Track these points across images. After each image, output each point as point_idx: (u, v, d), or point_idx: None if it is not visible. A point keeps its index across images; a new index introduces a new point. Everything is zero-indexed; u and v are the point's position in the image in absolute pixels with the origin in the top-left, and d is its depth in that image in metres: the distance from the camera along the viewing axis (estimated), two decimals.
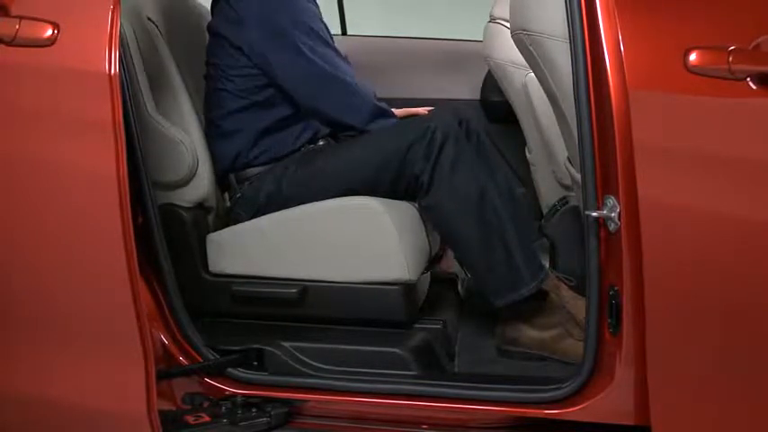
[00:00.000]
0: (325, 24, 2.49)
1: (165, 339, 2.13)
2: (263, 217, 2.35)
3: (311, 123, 2.47)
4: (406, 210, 2.33)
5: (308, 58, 2.37)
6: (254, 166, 2.45)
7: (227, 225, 2.42)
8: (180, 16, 2.64)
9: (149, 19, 2.35)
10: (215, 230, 2.39)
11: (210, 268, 2.35)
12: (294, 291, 2.28)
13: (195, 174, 2.33)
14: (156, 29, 2.36)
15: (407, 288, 2.27)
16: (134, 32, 2.29)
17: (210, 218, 2.43)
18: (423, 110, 2.60)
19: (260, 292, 2.31)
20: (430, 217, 2.34)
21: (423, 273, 2.38)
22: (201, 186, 2.36)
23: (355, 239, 2.26)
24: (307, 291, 2.28)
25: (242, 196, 2.43)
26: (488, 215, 2.24)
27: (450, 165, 2.25)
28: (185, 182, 2.33)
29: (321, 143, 2.48)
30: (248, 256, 2.33)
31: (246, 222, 2.38)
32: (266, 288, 2.31)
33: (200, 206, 2.38)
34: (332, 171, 2.35)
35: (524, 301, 2.28)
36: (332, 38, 2.49)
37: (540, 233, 2.57)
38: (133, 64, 2.25)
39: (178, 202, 2.33)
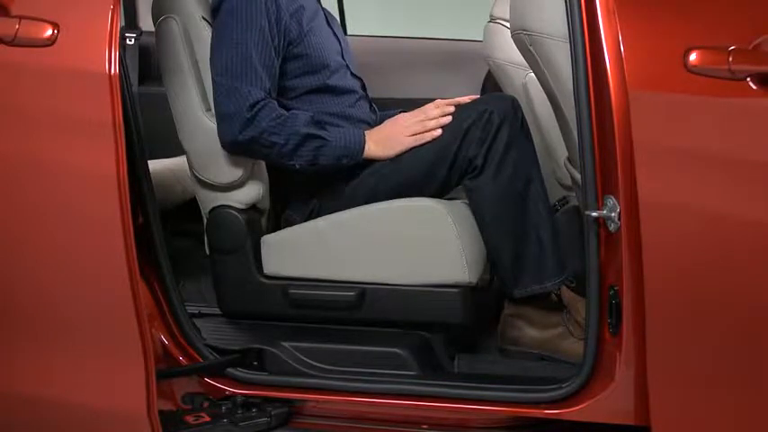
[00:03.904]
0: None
1: (165, 339, 2.13)
2: (320, 219, 2.31)
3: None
4: (465, 211, 2.28)
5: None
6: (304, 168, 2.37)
7: (278, 227, 2.39)
8: None
9: (204, 18, 2.32)
10: (266, 233, 2.37)
11: (265, 271, 2.32)
12: (352, 294, 2.25)
13: (251, 175, 2.31)
14: (210, 29, 2.33)
15: (467, 291, 2.23)
16: (188, 33, 2.28)
17: (263, 220, 2.40)
18: (465, 99, 2.52)
19: (317, 294, 2.28)
20: (471, 198, 2.27)
21: (485, 278, 2.33)
22: (257, 188, 2.33)
23: (414, 241, 2.23)
24: (365, 294, 2.25)
25: (293, 198, 2.39)
26: (530, 203, 2.22)
27: (504, 148, 2.20)
28: (242, 183, 2.30)
29: None
30: (305, 258, 2.29)
31: (303, 224, 2.33)
32: (324, 291, 2.27)
33: (254, 208, 2.36)
34: (388, 165, 2.30)
35: (538, 296, 2.27)
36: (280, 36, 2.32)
37: None
38: (188, 63, 2.26)
39: (232, 204, 2.32)
